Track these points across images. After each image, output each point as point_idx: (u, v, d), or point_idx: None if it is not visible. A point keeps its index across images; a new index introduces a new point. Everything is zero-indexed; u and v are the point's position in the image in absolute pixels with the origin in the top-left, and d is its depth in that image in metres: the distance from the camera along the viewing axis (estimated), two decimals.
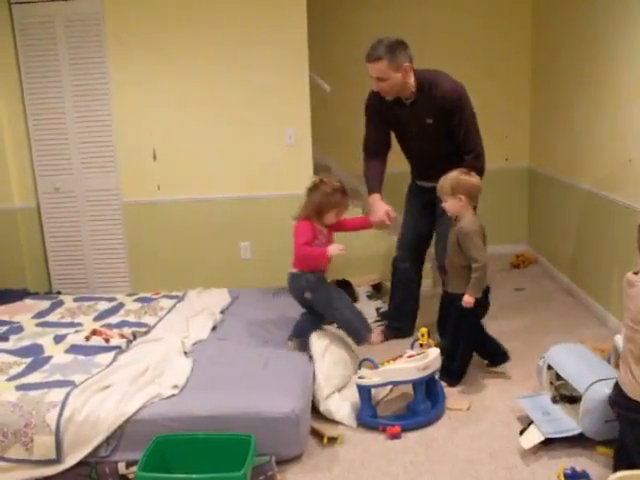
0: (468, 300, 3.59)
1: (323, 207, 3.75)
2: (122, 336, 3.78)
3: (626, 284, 2.41)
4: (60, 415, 2.93)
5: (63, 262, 5.37)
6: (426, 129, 4.01)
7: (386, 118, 4.19)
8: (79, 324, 4.07)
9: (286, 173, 5.09)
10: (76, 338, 3.77)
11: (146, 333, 3.89)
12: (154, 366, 3.33)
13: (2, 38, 4.93)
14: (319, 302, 3.80)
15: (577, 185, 5.01)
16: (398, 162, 6.13)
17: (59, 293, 5.08)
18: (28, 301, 4.59)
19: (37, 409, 2.96)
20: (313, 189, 3.80)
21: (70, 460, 2.93)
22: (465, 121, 3.89)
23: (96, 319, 4.17)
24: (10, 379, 3.30)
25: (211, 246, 5.21)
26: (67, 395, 3.04)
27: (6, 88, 5.01)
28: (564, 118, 5.30)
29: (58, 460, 2.92)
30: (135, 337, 3.82)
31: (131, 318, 4.16)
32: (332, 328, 3.94)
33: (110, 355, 3.53)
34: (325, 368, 3.54)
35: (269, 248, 5.20)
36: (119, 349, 3.61)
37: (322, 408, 3.42)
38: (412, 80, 3.93)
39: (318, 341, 3.67)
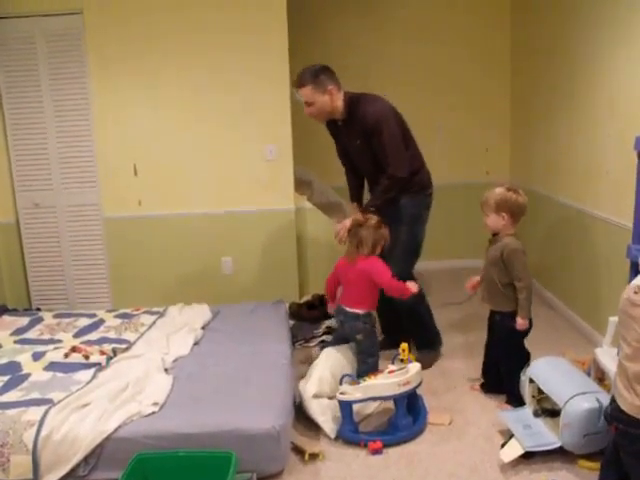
0: (522, 323, 3.50)
1: (377, 242, 3.80)
2: (102, 352, 3.74)
3: (628, 304, 2.34)
4: (37, 434, 2.89)
5: (43, 278, 5.32)
6: (358, 149, 4.15)
7: (335, 137, 4.37)
8: (58, 340, 4.03)
9: (267, 188, 5.09)
10: (55, 355, 3.72)
11: (126, 349, 3.86)
12: (134, 383, 3.30)
13: None
14: (364, 345, 3.81)
15: (557, 198, 5.05)
16: None
17: (38, 310, 5.03)
18: (6, 317, 4.52)
19: (14, 428, 2.92)
20: (360, 227, 3.84)
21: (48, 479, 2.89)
22: (383, 144, 3.95)
23: (76, 335, 4.12)
24: None
25: (192, 261, 5.19)
26: (45, 413, 3.00)
27: None
28: (544, 131, 5.35)
29: None
30: (115, 353, 3.78)
31: (111, 334, 4.12)
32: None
33: (90, 372, 3.49)
34: (323, 371, 3.58)
35: (251, 263, 5.19)
36: (99, 366, 3.57)
37: (306, 405, 3.45)
38: (340, 103, 4.08)
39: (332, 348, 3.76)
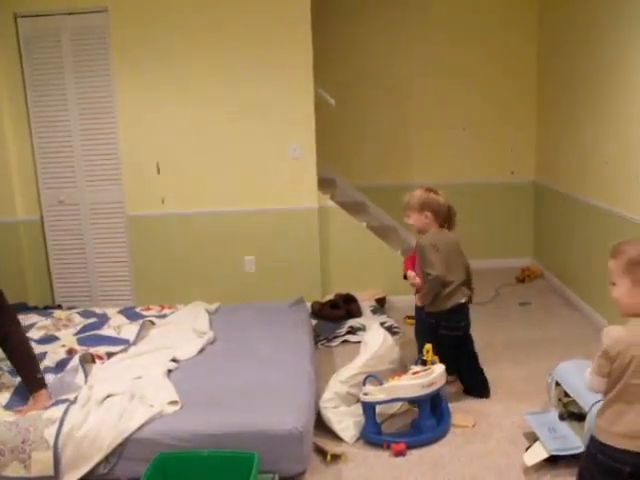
0: (417, 300, 3.77)
1: None
2: (99, 357, 3.70)
3: None
4: (59, 431, 2.90)
5: (66, 275, 5.36)
6: None
7: None
8: (57, 339, 4.00)
9: (291, 187, 5.08)
10: (53, 357, 3.70)
11: (125, 350, 3.83)
12: (147, 384, 3.29)
13: (8, 51, 4.95)
14: None
15: (583, 199, 4.98)
16: (400, 175, 6.16)
17: (59, 306, 5.07)
18: (20, 316, 4.48)
19: (34, 425, 2.93)
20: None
21: (69, 477, 2.89)
22: None
23: (76, 334, 4.08)
24: None
25: (215, 259, 5.19)
26: (66, 410, 3.01)
27: (11, 101, 5.03)
28: (571, 131, 5.28)
29: (56, 477, 2.88)
30: (109, 357, 3.73)
31: (111, 333, 4.07)
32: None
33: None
34: (342, 385, 3.55)
35: (273, 262, 5.18)
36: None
37: (323, 413, 3.42)
38: None
39: (363, 361, 3.66)
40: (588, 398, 3.01)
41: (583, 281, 5.12)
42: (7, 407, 3.20)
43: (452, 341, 3.71)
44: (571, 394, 3.19)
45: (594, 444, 2.27)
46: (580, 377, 3.22)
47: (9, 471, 2.89)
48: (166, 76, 4.96)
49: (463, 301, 3.71)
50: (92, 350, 3.78)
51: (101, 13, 4.89)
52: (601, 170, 4.67)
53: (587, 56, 4.87)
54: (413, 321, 4.24)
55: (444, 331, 3.68)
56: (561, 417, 3.26)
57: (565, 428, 3.19)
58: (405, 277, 3.95)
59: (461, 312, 3.74)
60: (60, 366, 3.60)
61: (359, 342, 4.09)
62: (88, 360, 3.64)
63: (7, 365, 3.64)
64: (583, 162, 5.02)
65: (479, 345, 4.35)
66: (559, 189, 5.58)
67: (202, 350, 3.84)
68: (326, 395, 3.49)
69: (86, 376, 3.45)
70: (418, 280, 3.80)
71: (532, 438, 3.23)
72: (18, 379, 3.40)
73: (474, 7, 6.11)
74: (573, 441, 3.07)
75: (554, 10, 5.66)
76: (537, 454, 3.05)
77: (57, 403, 3.12)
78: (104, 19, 4.89)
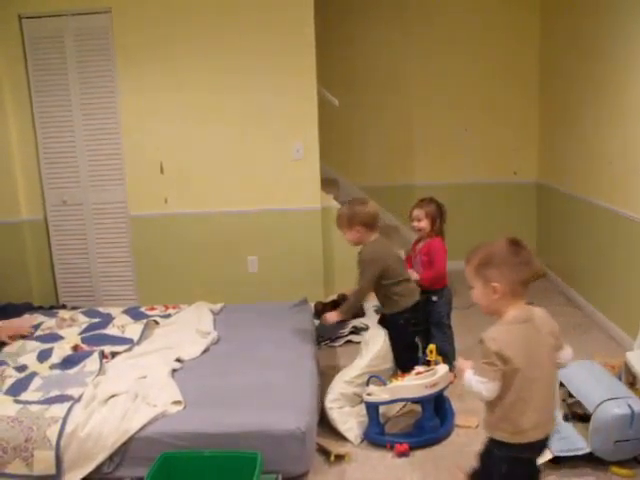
0: (331, 315, 3.79)
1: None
2: (104, 356, 3.71)
3: None
4: (62, 430, 2.91)
5: (70, 274, 5.37)
6: None
7: None
8: (61, 337, 4.01)
9: (294, 187, 5.08)
10: (59, 353, 3.73)
11: (129, 349, 3.83)
12: (151, 384, 3.29)
13: (13, 52, 4.96)
14: None
15: (587, 199, 4.97)
16: (403, 176, 6.16)
17: (64, 306, 5.07)
18: (27, 315, 4.53)
19: (37, 424, 2.94)
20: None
21: (71, 477, 2.90)
22: None
23: (81, 333, 4.09)
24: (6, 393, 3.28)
25: (218, 259, 5.20)
26: (69, 410, 3.01)
27: (16, 101, 5.05)
28: (574, 131, 5.27)
29: (58, 476, 2.89)
30: (113, 357, 3.74)
31: (115, 332, 4.07)
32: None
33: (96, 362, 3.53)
34: (347, 385, 3.55)
35: (276, 262, 5.18)
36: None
37: (328, 413, 3.43)
38: None
39: (366, 361, 3.64)
40: (593, 399, 3.02)
41: (586, 281, 5.12)
42: (8, 393, 3.26)
43: (414, 336, 3.79)
44: (575, 395, 3.19)
45: (506, 450, 2.36)
46: (585, 378, 3.25)
47: (12, 468, 2.90)
48: (169, 77, 4.96)
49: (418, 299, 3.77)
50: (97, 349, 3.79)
51: (104, 14, 4.90)
52: (605, 170, 4.66)
53: (590, 55, 4.86)
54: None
55: (411, 327, 3.73)
56: (565, 418, 3.26)
57: (569, 429, 3.18)
58: None
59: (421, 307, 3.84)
60: (66, 362, 3.61)
61: None
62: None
63: (13, 360, 3.68)
64: (586, 162, 5.01)
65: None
66: (562, 189, 5.57)
67: (206, 350, 3.84)
68: (331, 395, 3.49)
69: (100, 371, 3.46)
70: (415, 277, 3.87)
71: None
72: (22, 374, 3.46)
73: (477, 9, 6.09)
74: (577, 442, 3.07)
75: (556, 10, 5.65)
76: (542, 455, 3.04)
77: (61, 400, 3.12)
78: (107, 20, 4.90)
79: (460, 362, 2.52)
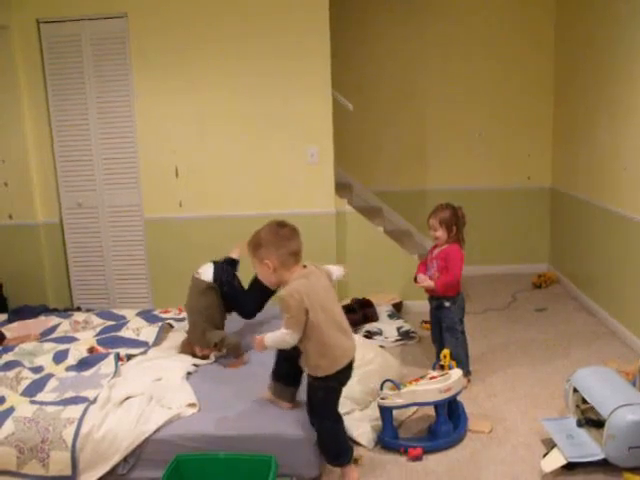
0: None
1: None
2: (120, 359, 3.73)
3: None
4: (77, 431, 2.93)
5: (84, 277, 5.40)
6: None
7: None
8: (76, 340, 4.05)
9: (308, 191, 5.09)
10: (75, 355, 3.76)
11: (144, 352, 3.85)
12: (166, 386, 3.31)
13: (31, 56, 5.02)
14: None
15: (601, 205, 4.96)
16: (416, 180, 6.17)
17: (79, 309, 5.10)
18: (42, 317, 4.58)
19: (54, 425, 2.96)
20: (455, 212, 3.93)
21: (87, 478, 2.92)
22: None
23: (96, 335, 4.12)
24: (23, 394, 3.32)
25: None
26: (84, 411, 3.04)
27: (33, 104, 5.10)
28: (588, 137, 5.26)
29: (73, 477, 2.92)
30: (128, 359, 3.76)
31: (130, 335, 4.09)
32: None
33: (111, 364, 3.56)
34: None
35: None
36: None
37: None
38: None
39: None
40: (607, 405, 3.01)
41: (600, 287, 5.10)
42: (24, 394, 3.30)
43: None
44: (590, 401, 3.18)
45: (319, 382, 2.85)
46: (599, 384, 3.24)
47: (28, 469, 2.93)
48: (184, 81, 4.99)
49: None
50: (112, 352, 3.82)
51: (121, 19, 4.94)
52: (619, 176, 4.65)
53: (605, 60, 4.85)
54: (429, 326, 4.25)
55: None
56: (579, 423, 3.25)
57: (583, 435, 3.18)
58: (416, 280, 3.96)
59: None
60: (82, 364, 3.64)
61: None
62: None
63: (29, 361, 3.71)
64: (600, 168, 5.00)
65: (496, 349, 4.37)
66: (576, 195, 5.56)
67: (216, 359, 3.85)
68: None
69: (115, 373, 3.48)
70: (429, 283, 3.86)
71: (549, 444, 3.22)
72: (38, 375, 3.51)
73: (491, 16, 6.09)
74: (592, 448, 3.06)
75: (571, 18, 5.64)
76: (555, 460, 3.04)
77: (77, 401, 3.15)
78: (124, 25, 4.94)
79: (255, 338, 2.97)
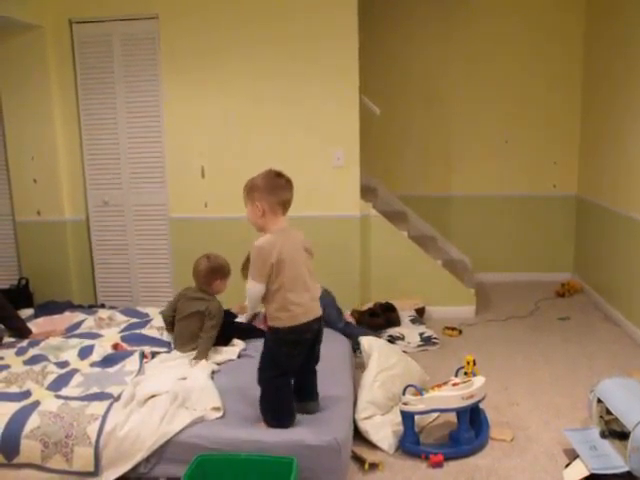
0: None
1: None
2: (145, 356, 3.77)
3: None
4: (101, 428, 2.96)
5: (109, 275, 5.46)
6: None
7: None
8: (100, 336, 4.09)
9: (334, 194, 5.10)
10: (99, 351, 3.81)
11: (168, 352, 3.87)
12: (191, 387, 3.30)
13: (63, 55, 5.09)
14: None
15: (627, 215, 4.92)
16: (441, 186, 6.15)
17: (102, 306, 5.15)
18: (67, 313, 4.63)
19: (78, 420, 2.99)
20: None
21: (109, 475, 2.94)
22: None
23: (119, 332, 4.16)
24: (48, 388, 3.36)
25: None
26: (108, 408, 3.07)
27: (63, 103, 5.16)
28: (615, 145, 5.22)
29: (96, 473, 2.93)
30: (153, 357, 3.79)
31: (154, 334, 4.12)
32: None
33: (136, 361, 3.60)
34: (370, 390, 3.54)
35: (314, 268, 5.18)
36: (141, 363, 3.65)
37: (359, 426, 3.41)
38: None
39: (375, 363, 3.67)
40: (632, 417, 2.98)
41: (625, 297, 5.06)
42: (49, 388, 3.34)
43: None
44: (614, 412, 3.15)
45: (280, 334, 2.96)
46: (624, 395, 3.20)
47: (52, 463, 2.95)
48: (213, 83, 5.03)
49: None
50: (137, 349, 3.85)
51: (152, 20, 4.98)
52: None
53: (635, 66, 4.81)
54: (452, 332, 4.25)
55: None
56: (602, 435, 3.22)
57: (607, 446, 3.14)
58: None
59: None
60: (106, 360, 3.68)
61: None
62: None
63: (55, 355, 3.76)
64: (628, 177, 4.96)
65: (518, 357, 4.33)
66: (602, 203, 5.51)
67: (240, 356, 3.88)
68: (359, 406, 3.48)
69: (139, 371, 3.52)
70: None
71: (571, 454, 3.20)
72: (63, 370, 3.55)
73: (518, 20, 6.07)
74: (615, 460, 3.02)
75: (600, 22, 5.61)
76: (577, 471, 3.01)
77: (101, 398, 3.18)
78: (155, 26, 4.99)
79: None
